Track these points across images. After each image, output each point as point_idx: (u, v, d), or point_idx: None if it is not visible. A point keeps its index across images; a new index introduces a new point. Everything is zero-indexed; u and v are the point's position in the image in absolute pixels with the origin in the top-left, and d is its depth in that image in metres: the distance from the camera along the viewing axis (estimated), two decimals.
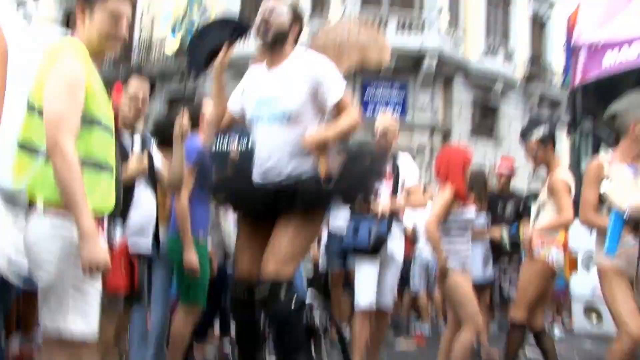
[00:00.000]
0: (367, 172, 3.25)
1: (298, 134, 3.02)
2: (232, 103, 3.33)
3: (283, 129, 3.05)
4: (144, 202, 3.44)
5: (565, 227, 4.57)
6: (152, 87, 3.60)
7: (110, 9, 2.24)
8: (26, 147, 2.18)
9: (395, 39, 18.13)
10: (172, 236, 4.12)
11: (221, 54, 3.22)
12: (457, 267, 4.36)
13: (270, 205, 3.01)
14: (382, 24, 18.03)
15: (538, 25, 23.10)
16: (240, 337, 3.30)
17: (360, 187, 3.25)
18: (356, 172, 3.15)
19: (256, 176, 3.13)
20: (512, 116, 20.86)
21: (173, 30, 18.63)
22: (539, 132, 4.49)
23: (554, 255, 4.27)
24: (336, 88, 3.10)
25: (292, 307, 2.91)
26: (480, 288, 5.98)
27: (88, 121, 2.19)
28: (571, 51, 6.19)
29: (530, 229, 4.43)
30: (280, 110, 3.06)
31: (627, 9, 5.43)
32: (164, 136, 3.95)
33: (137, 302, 3.41)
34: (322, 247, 6.44)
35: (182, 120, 3.27)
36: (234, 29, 3.28)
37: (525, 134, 4.59)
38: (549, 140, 4.47)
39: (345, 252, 4.99)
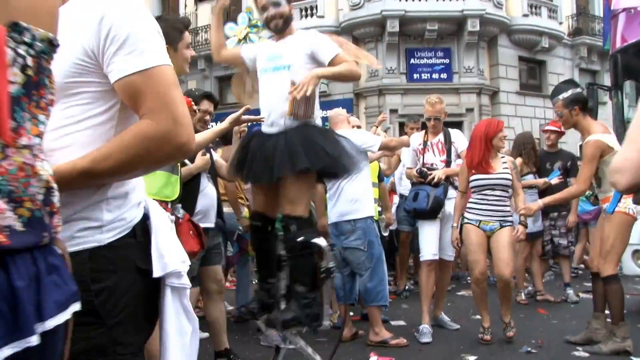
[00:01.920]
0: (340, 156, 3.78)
1: (287, 82, 3.69)
2: (245, 52, 4.09)
3: (283, 77, 3.73)
4: (208, 191, 4.35)
5: (574, 197, 5.09)
6: (216, 105, 4.66)
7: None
8: None
9: (436, 4, 18.35)
10: None
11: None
12: (472, 221, 5.12)
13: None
14: None
15: None
16: (259, 261, 4.07)
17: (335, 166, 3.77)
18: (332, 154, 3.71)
19: (265, 122, 3.84)
20: (560, 71, 20.79)
21: None
22: (565, 95, 4.83)
23: (632, 205, 4.54)
24: (330, 49, 3.77)
25: (301, 237, 3.62)
26: (531, 238, 6.59)
27: None
28: (610, 16, 6.47)
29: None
30: (282, 63, 3.78)
31: None
32: (226, 138, 4.90)
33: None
34: (394, 210, 7.20)
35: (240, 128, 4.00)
36: None
37: (552, 96, 4.99)
38: (573, 103, 4.77)
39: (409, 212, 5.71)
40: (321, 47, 3.76)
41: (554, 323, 5.87)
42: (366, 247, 5.01)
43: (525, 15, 20.19)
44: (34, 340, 0.99)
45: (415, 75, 18.98)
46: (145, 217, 1.58)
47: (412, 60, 19.06)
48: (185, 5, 23.00)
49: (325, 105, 19.23)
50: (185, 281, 1.61)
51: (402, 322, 6.03)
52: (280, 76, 3.74)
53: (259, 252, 4.03)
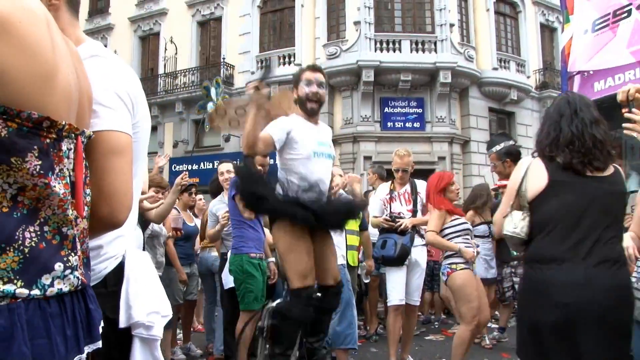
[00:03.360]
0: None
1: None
2: (275, 135, 3.87)
3: (329, 166, 4.11)
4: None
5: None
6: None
7: None
8: None
9: (410, 57, 19.03)
10: (231, 255, 5.43)
11: (264, 90, 3.98)
12: (463, 265, 5.10)
13: (320, 222, 3.86)
14: (396, 44, 18.99)
15: (548, 32, 23.75)
16: (299, 327, 3.97)
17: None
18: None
19: (306, 195, 3.96)
20: (528, 122, 21.53)
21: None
22: (498, 147, 5.16)
23: None
24: None
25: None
26: (486, 284, 6.87)
27: None
28: (567, 77, 6.91)
29: None
30: (329, 152, 4.13)
31: (611, 44, 6.06)
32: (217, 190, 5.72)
33: None
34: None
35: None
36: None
37: (487, 149, 5.29)
38: (506, 156, 5.07)
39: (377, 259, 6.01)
40: None
41: None
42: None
43: (495, 69, 20.98)
44: (100, 344, 1.35)
45: (389, 124, 19.53)
46: (121, 266, 1.64)
47: (386, 109, 19.61)
48: (165, 49, 23.43)
49: None
50: (156, 332, 1.64)
51: None
52: (329, 164, 4.11)
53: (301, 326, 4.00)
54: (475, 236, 6.75)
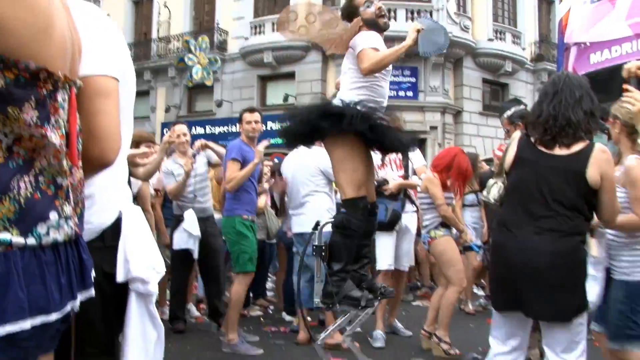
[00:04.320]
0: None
1: None
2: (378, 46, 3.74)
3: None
4: None
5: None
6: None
7: None
8: None
9: (405, 26, 18.85)
10: (223, 219, 5.37)
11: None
12: (442, 232, 5.28)
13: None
14: (391, 12, 18.80)
15: (545, 4, 23.60)
16: (365, 238, 3.86)
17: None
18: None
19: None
20: (521, 94, 21.47)
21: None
22: (509, 112, 5.19)
23: None
24: None
25: None
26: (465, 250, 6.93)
27: None
28: (564, 48, 6.89)
29: None
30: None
31: (609, 16, 6.03)
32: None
33: None
34: None
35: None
36: None
37: (499, 115, 5.31)
38: (518, 119, 5.09)
39: None
40: None
41: None
42: None
43: (490, 40, 20.88)
44: (92, 292, 1.38)
45: (400, 92, 19.42)
46: (118, 222, 1.65)
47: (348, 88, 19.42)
48: (159, 14, 23.14)
49: None
50: (152, 288, 1.65)
51: (357, 329, 6.32)
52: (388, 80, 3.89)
53: (370, 237, 4.00)
54: (464, 205, 6.81)
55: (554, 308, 2.78)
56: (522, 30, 22.06)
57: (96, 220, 1.57)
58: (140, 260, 1.62)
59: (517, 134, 3.12)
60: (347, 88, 3.74)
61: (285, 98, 20.53)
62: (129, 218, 1.67)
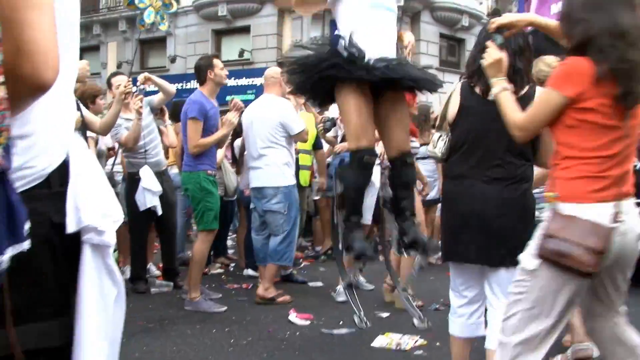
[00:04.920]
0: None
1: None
2: None
3: (394, 20, 3.63)
4: None
5: None
6: None
7: None
8: None
9: None
10: (184, 173, 5.16)
11: None
12: None
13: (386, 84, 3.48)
14: None
15: None
16: (359, 201, 3.70)
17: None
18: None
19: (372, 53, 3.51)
20: None
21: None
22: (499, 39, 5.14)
23: None
24: None
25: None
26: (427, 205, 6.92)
27: None
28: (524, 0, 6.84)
29: None
30: (391, 6, 3.60)
31: None
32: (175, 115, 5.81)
33: None
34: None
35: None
36: None
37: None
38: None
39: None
40: None
41: None
42: (286, 211, 5.25)
43: None
44: (26, 245, 1.16)
45: None
46: (66, 164, 1.41)
47: (336, 31, 19.14)
48: None
49: (249, 74, 19.36)
50: (108, 238, 1.45)
51: (319, 284, 6.33)
52: (391, 18, 3.62)
53: (363, 191, 3.71)
54: (417, 158, 6.72)
55: (505, 255, 2.80)
56: None
57: (39, 163, 1.34)
58: (93, 207, 1.41)
59: (454, 85, 3.08)
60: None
61: (241, 53, 20.12)
62: (78, 160, 1.44)
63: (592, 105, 2.21)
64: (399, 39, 3.71)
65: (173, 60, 21.13)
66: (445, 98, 3.15)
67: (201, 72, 5.31)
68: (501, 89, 2.58)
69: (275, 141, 5.34)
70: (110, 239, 1.46)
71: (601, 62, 2.18)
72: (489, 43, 2.76)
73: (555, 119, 2.33)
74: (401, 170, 3.60)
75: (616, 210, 2.21)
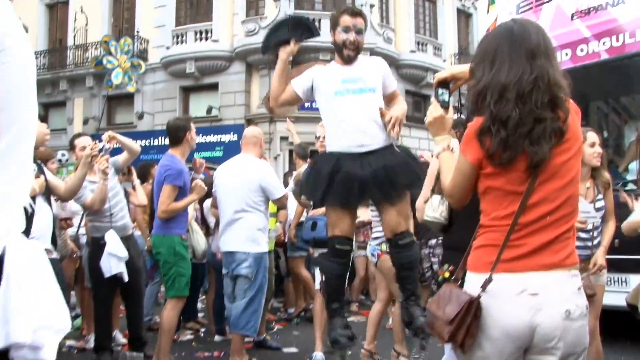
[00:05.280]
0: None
1: (376, 105, 3.80)
2: (297, 85, 3.94)
3: (370, 100, 3.79)
4: (44, 213, 4.13)
5: None
6: None
7: None
8: None
9: (330, 36, 18.87)
10: (156, 237, 4.96)
11: (291, 45, 3.88)
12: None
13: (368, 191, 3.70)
14: (316, 22, 18.79)
15: (464, 18, 24.28)
16: (338, 289, 3.90)
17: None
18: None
19: (348, 142, 3.76)
20: None
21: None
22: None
23: None
24: (394, 80, 4.02)
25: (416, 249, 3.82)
26: None
27: None
28: None
29: None
30: (367, 86, 3.79)
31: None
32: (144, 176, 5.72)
33: None
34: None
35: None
36: (305, 31, 3.95)
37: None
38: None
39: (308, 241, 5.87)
40: (390, 76, 3.98)
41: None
42: (253, 276, 5.02)
43: (413, 52, 21.23)
44: None
45: (307, 104, 19.13)
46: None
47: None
48: (75, 19, 22.22)
49: (217, 130, 19.33)
50: (47, 355, 1.24)
51: (294, 349, 6.11)
52: (366, 98, 3.76)
53: (341, 279, 3.87)
54: None
55: None
56: (442, 42, 22.57)
57: None
58: (27, 319, 1.19)
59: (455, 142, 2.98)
60: None
61: (209, 110, 20.14)
62: (16, 256, 1.21)
63: (493, 169, 2.01)
64: (381, 115, 3.75)
65: (140, 116, 21.02)
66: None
67: (179, 132, 5.17)
68: (442, 149, 2.38)
69: (253, 205, 5.10)
70: (50, 354, 1.25)
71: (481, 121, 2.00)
72: (432, 99, 2.70)
73: (475, 185, 2.11)
74: (396, 251, 3.76)
75: (525, 282, 1.93)
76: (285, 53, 3.87)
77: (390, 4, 21.02)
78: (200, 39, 20.06)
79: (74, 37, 22.35)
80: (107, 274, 5.03)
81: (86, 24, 21.84)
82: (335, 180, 3.66)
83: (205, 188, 5.21)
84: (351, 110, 3.75)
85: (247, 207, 5.08)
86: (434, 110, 2.41)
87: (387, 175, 3.63)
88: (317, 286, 5.53)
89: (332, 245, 3.76)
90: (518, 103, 1.94)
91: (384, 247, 5.08)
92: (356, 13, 3.94)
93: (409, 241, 3.76)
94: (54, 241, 4.36)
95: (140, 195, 6.13)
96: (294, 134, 7.12)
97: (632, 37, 5.84)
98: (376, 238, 5.13)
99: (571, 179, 2.03)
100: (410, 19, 21.41)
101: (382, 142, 3.76)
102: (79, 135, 5.78)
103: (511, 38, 2.02)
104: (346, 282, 4.01)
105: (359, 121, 3.74)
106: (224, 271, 5.24)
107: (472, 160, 2.05)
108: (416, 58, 21.23)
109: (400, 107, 3.83)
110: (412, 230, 3.87)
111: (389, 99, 3.94)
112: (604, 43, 6.02)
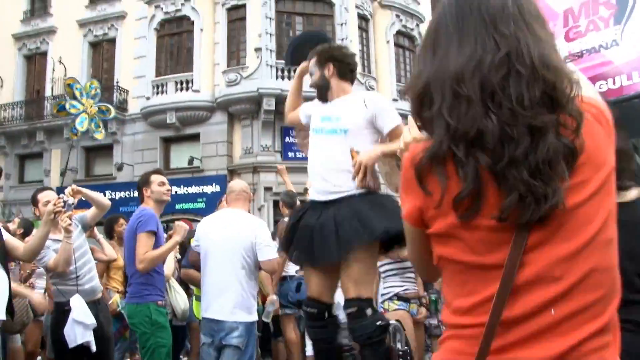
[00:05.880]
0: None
1: (344, 149, 3.41)
2: (302, 111, 3.85)
3: (339, 142, 3.42)
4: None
5: None
6: None
7: None
8: None
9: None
10: (129, 306, 4.54)
11: (306, 63, 3.72)
12: (396, 306, 4.90)
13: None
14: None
15: None
16: (318, 354, 3.63)
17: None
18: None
19: (316, 189, 3.51)
20: None
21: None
22: None
23: None
24: (393, 117, 3.47)
25: (377, 323, 3.23)
26: None
27: None
28: None
29: None
30: (339, 126, 3.45)
31: None
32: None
33: None
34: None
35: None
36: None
37: None
38: None
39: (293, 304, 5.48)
40: (385, 113, 3.47)
41: None
42: (244, 346, 4.49)
43: (395, 100, 21.14)
44: None
45: (290, 154, 19.02)
46: None
47: (287, 139, 19.08)
48: (54, 70, 21.98)
49: (198, 182, 18.93)
50: None
51: None
52: (335, 140, 3.42)
53: (318, 343, 3.55)
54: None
55: None
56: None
57: None
58: None
59: None
60: None
61: (190, 161, 19.77)
62: None
63: (444, 226, 1.23)
64: (352, 158, 3.38)
65: (120, 168, 20.59)
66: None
67: (139, 190, 4.82)
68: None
69: (247, 267, 4.48)
70: None
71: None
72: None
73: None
74: (349, 321, 3.32)
75: None
76: (300, 70, 3.83)
77: (372, 53, 21.09)
78: (181, 89, 19.83)
79: (52, 87, 22.06)
80: (71, 344, 4.47)
81: (65, 75, 21.55)
82: (296, 233, 3.42)
83: (187, 228, 4.81)
84: (316, 153, 3.52)
85: (241, 270, 4.45)
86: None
87: (335, 230, 3.22)
88: (310, 351, 5.10)
89: (303, 307, 3.56)
90: (488, 102, 1.15)
91: (387, 305, 4.72)
92: (313, 55, 3.72)
93: (353, 310, 3.26)
94: (10, 310, 3.90)
95: (108, 248, 5.74)
96: (287, 182, 6.81)
97: (629, 80, 5.66)
98: (382, 294, 4.77)
99: (593, 235, 1.16)
100: (392, 68, 21.47)
101: (351, 190, 3.35)
102: (42, 189, 5.24)
103: (457, 4, 1.28)
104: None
105: (323, 165, 3.46)
106: (205, 340, 4.54)
107: (406, 215, 1.32)
108: (398, 106, 20.99)
109: (371, 150, 3.37)
110: (367, 295, 3.32)
111: (391, 139, 3.49)
112: (600, 86, 5.84)
